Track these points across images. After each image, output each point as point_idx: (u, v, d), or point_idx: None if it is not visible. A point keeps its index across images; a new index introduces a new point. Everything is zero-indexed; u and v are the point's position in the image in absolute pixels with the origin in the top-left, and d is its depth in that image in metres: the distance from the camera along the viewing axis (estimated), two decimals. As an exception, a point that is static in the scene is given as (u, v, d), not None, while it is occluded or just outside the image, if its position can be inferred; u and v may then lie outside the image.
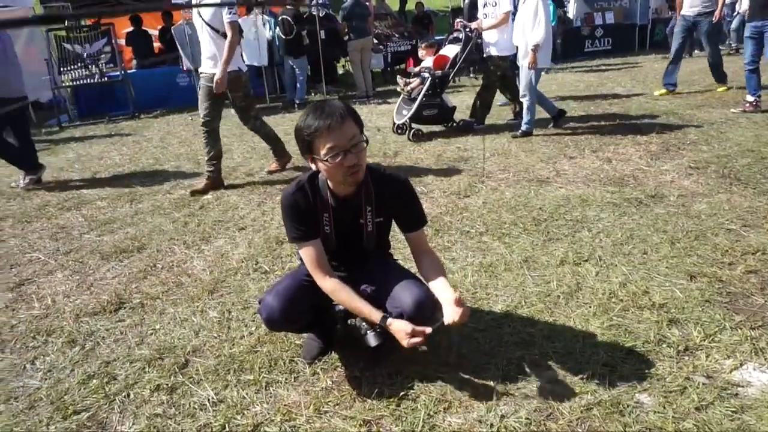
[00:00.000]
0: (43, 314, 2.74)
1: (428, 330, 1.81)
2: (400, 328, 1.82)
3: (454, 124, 6.25)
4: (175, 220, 3.93)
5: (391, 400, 1.91)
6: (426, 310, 1.88)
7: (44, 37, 9.46)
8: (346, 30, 9.39)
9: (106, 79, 9.59)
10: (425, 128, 6.17)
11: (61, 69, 9.38)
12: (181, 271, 3.09)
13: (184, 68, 9.56)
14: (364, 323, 1.96)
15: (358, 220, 2.00)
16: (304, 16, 9.28)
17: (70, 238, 3.78)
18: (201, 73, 4.55)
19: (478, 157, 5.02)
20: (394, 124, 6.27)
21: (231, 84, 4.41)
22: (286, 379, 2.07)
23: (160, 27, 11.48)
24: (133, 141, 7.24)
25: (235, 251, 3.29)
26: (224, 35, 4.35)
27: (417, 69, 6.27)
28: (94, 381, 2.16)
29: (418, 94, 5.95)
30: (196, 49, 8.99)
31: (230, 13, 4.30)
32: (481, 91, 6.31)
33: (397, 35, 12.27)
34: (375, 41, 10.58)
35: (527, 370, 2.02)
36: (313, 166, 1.93)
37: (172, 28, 9.66)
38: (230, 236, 3.55)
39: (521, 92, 5.69)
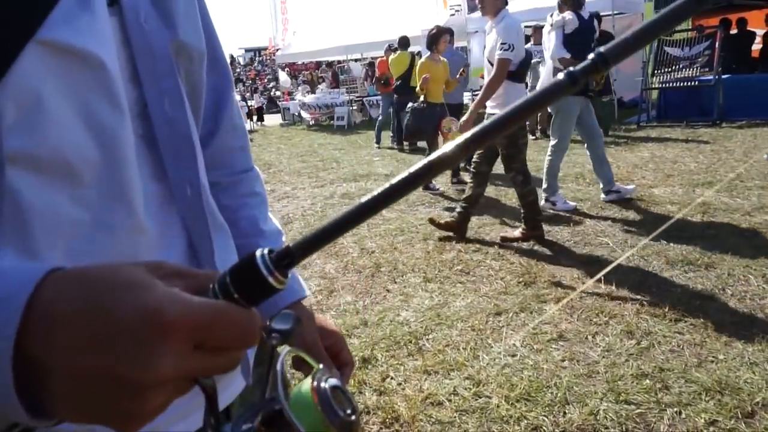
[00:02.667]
0: (607, 295, 2.97)
1: None
2: None
3: None
4: (758, 248, 3.47)
5: None
6: None
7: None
8: None
9: (696, 83, 9.34)
10: None
11: (655, 71, 9.72)
12: (756, 307, 2.72)
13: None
14: None
15: None
16: None
17: (639, 233, 3.92)
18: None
19: None
20: None
21: None
22: None
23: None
24: (711, 150, 6.81)
25: (834, 308, 2.63)
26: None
27: None
28: (647, 381, 2.19)
29: None
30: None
31: (502, 49, 3.69)
32: None
33: None
34: None
35: None
36: None
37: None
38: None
39: None
